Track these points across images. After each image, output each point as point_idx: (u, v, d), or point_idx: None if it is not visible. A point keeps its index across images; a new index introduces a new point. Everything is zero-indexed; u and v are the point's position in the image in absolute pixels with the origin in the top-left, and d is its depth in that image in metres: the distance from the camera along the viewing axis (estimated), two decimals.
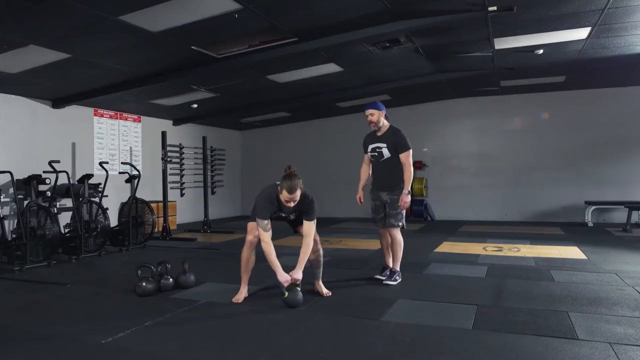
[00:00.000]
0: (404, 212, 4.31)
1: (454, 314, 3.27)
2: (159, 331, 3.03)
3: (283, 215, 3.67)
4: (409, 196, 4.21)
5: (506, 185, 9.86)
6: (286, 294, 3.50)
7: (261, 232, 3.52)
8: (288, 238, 6.90)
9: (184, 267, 4.21)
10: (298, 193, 3.41)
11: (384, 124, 4.30)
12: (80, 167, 7.70)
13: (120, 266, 5.32)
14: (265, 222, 3.51)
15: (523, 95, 9.55)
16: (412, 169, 4.21)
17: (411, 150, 4.21)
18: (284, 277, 3.50)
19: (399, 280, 4.27)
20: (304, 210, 3.59)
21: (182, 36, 5.07)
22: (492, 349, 2.60)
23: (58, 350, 2.73)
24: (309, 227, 3.59)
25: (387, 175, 4.29)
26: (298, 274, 3.53)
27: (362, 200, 4.58)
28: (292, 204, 3.48)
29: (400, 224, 4.31)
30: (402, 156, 4.21)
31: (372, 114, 4.25)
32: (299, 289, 3.55)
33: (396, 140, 4.23)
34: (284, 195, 3.42)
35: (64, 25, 4.53)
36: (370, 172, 4.54)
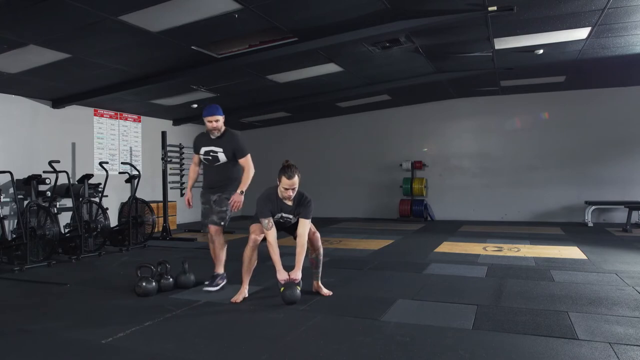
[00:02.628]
0: (229, 213, 4.16)
1: (454, 314, 3.27)
2: (159, 331, 3.03)
3: (284, 216, 3.68)
4: (242, 197, 4.07)
5: (506, 185, 9.86)
6: (282, 289, 3.57)
7: (265, 232, 3.62)
8: (289, 238, 6.91)
9: (184, 267, 4.21)
10: (297, 180, 3.51)
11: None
12: (80, 167, 7.70)
13: (120, 266, 5.31)
14: (267, 220, 3.60)
15: (523, 95, 9.56)
16: (253, 171, 4.13)
17: (249, 155, 4.15)
18: (283, 276, 3.60)
19: (222, 284, 4.14)
20: (302, 207, 3.64)
21: (182, 36, 5.07)
22: (492, 348, 2.60)
23: (58, 350, 2.73)
24: (304, 226, 3.64)
25: (221, 178, 4.18)
26: (297, 274, 3.60)
27: (190, 202, 4.41)
28: (291, 193, 3.54)
29: (223, 223, 4.17)
30: (241, 161, 4.15)
31: (217, 120, 4.09)
32: (297, 287, 3.58)
33: (235, 147, 4.13)
34: (283, 182, 3.49)
35: (64, 25, 4.53)
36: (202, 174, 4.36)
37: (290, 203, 3.65)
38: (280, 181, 3.53)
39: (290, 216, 3.71)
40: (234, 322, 3.20)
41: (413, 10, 4.83)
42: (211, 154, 4.19)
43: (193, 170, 4.45)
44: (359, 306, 3.53)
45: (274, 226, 3.64)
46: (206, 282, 4.19)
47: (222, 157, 4.15)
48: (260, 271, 4.03)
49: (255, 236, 3.70)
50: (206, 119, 4.12)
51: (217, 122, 4.10)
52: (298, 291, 3.57)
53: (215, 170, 4.21)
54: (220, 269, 4.23)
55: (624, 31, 5.57)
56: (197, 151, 4.29)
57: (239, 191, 4.08)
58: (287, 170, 3.50)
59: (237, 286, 3.81)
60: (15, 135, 6.83)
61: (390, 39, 5.70)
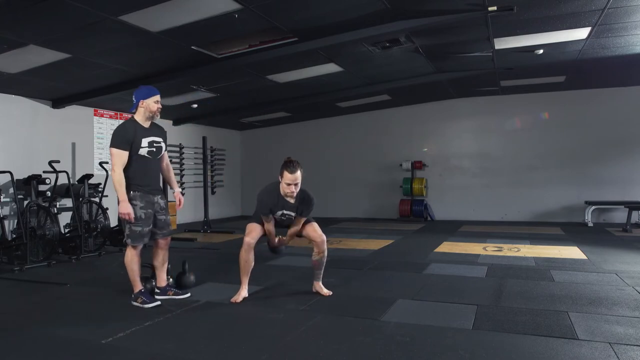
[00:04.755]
0: (128, 225, 3.54)
1: (454, 314, 3.27)
2: (159, 331, 3.03)
3: (285, 213, 3.68)
4: (122, 205, 3.45)
5: (506, 185, 9.86)
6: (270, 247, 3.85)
7: (265, 223, 3.70)
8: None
9: (184, 267, 4.21)
10: (299, 175, 3.49)
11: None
12: (80, 167, 7.70)
13: (120, 266, 5.29)
14: (266, 217, 3.66)
15: (523, 95, 9.56)
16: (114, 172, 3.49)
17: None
18: (273, 242, 3.81)
19: (147, 304, 3.54)
20: (305, 206, 3.65)
21: (182, 36, 5.07)
22: (492, 348, 2.60)
23: (58, 350, 2.73)
24: (315, 230, 3.74)
25: (159, 177, 3.79)
26: (285, 241, 3.86)
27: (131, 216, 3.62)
28: (294, 189, 3.52)
29: (126, 240, 3.60)
30: (166, 156, 3.79)
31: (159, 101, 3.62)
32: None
33: (165, 138, 3.76)
34: (286, 177, 3.49)
35: (64, 25, 4.53)
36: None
37: (292, 201, 3.64)
38: (282, 177, 3.52)
39: (292, 213, 3.70)
40: (234, 322, 3.20)
41: (413, 10, 4.83)
42: (155, 144, 3.63)
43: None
44: (359, 306, 3.52)
45: (273, 221, 3.70)
46: (157, 290, 3.87)
47: (163, 148, 3.71)
48: (260, 271, 4.03)
49: (249, 239, 3.70)
50: (152, 100, 3.57)
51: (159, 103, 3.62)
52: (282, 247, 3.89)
53: (156, 166, 3.72)
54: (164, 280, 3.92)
55: (624, 31, 5.57)
56: (136, 143, 3.51)
57: (179, 190, 3.93)
58: (289, 165, 3.49)
59: (237, 286, 3.80)
60: (15, 135, 6.83)
61: (390, 39, 5.70)
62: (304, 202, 3.64)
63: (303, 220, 3.72)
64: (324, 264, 3.87)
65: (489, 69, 7.41)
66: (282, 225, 3.83)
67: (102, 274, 4.97)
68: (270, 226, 3.71)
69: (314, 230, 3.77)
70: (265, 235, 3.78)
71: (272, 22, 4.87)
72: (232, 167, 11.77)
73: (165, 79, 6.42)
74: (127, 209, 3.45)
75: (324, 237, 3.80)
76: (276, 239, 3.83)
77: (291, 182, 3.49)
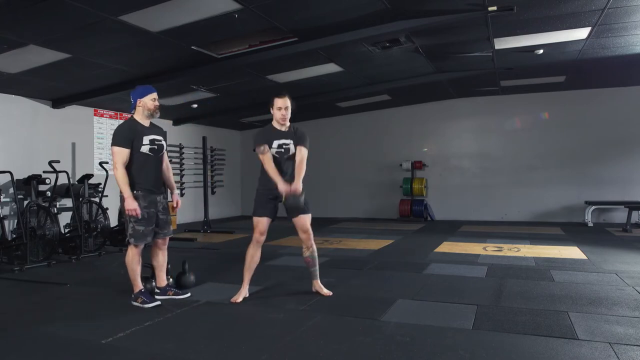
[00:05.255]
0: (131, 224, 3.54)
1: (454, 314, 3.27)
2: (159, 331, 3.03)
3: (282, 143, 3.66)
4: (128, 202, 3.47)
5: (506, 185, 9.86)
6: (284, 199, 3.58)
7: (260, 157, 3.65)
8: (289, 238, 6.91)
9: (184, 267, 4.21)
10: (288, 99, 3.66)
11: None
12: (80, 167, 7.70)
13: (120, 266, 5.29)
14: (262, 147, 3.65)
15: (523, 95, 9.56)
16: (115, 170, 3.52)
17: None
18: (285, 187, 3.55)
19: (147, 304, 3.56)
20: (299, 135, 3.73)
21: (182, 36, 5.07)
22: (492, 348, 2.60)
23: (58, 350, 2.73)
24: (301, 152, 3.69)
25: (160, 176, 3.78)
26: (298, 185, 3.58)
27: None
28: (284, 112, 3.64)
29: (128, 239, 3.61)
30: (166, 156, 3.81)
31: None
32: (300, 196, 3.60)
33: (165, 137, 3.78)
34: (277, 103, 3.65)
35: (64, 25, 4.53)
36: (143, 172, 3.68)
37: (285, 129, 3.72)
38: (273, 105, 3.67)
39: (289, 141, 3.70)
40: (234, 322, 3.20)
41: (413, 10, 4.83)
42: (156, 142, 3.65)
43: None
44: (359, 306, 3.52)
45: (269, 151, 3.65)
46: (158, 290, 3.89)
47: (164, 146, 3.73)
48: (260, 271, 4.03)
49: (258, 235, 3.70)
50: (149, 97, 3.61)
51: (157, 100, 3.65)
52: (301, 199, 3.59)
53: (157, 164, 3.71)
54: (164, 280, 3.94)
55: (624, 31, 5.57)
56: (137, 141, 3.54)
57: (177, 192, 3.93)
58: (278, 93, 3.67)
59: (237, 286, 3.81)
60: (15, 135, 6.83)
61: (390, 39, 5.70)
62: (297, 130, 3.76)
63: (303, 153, 3.67)
64: (317, 260, 3.85)
65: (489, 69, 7.41)
66: (282, 169, 3.67)
67: (102, 274, 4.97)
68: (268, 160, 3.61)
69: (305, 223, 3.73)
70: (268, 232, 3.76)
71: (272, 22, 4.87)
72: (232, 167, 11.77)
73: (165, 79, 6.43)
74: (133, 205, 3.46)
75: (311, 231, 3.78)
76: (286, 184, 3.56)
77: (282, 106, 3.64)
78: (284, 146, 3.67)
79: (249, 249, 3.75)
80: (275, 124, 3.73)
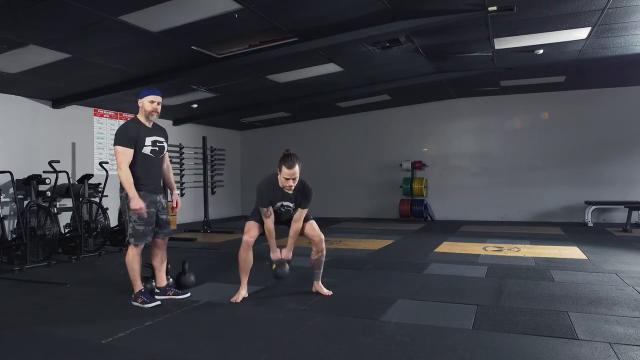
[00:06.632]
0: (132, 222, 3.55)
1: (454, 314, 3.27)
2: (159, 331, 3.03)
3: (284, 205, 3.68)
4: (134, 202, 3.45)
5: (506, 185, 9.86)
6: (274, 266, 3.70)
7: (265, 220, 3.66)
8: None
9: (184, 267, 4.21)
10: (297, 169, 3.49)
11: None
12: (80, 167, 7.70)
13: (120, 266, 5.29)
14: (266, 209, 3.63)
15: (523, 95, 9.55)
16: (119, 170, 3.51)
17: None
18: (276, 255, 3.71)
19: (147, 304, 3.55)
20: (304, 197, 3.67)
21: (182, 36, 5.07)
22: (492, 348, 2.60)
23: (58, 350, 2.73)
24: (301, 213, 3.70)
25: (160, 177, 3.81)
26: (288, 254, 3.73)
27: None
28: (292, 183, 3.52)
29: (128, 239, 3.63)
30: (166, 157, 3.81)
31: (160, 102, 3.66)
32: (287, 264, 3.72)
33: (167, 138, 3.82)
34: (284, 172, 3.48)
35: (64, 25, 4.53)
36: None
37: (291, 192, 3.63)
38: (280, 171, 3.51)
39: (291, 204, 3.69)
40: (234, 322, 3.20)
41: (413, 10, 4.83)
42: (158, 144, 3.66)
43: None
44: (359, 306, 3.52)
45: (272, 214, 3.67)
46: (158, 290, 3.90)
47: (165, 147, 3.75)
48: (260, 271, 4.04)
49: (247, 238, 3.70)
50: (147, 99, 3.60)
51: (160, 104, 3.65)
52: (287, 268, 3.73)
53: (158, 165, 3.72)
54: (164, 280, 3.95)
55: (624, 31, 5.57)
56: (140, 142, 3.54)
57: (177, 192, 3.94)
58: (287, 159, 3.48)
59: (237, 286, 3.80)
60: (15, 135, 6.83)
61: (390, 39, 5.70)
62: (302, 193, 3.65)
63: (302, 213, 3.70)
64: (323, 263, 3.87)
65: (489, 69, 7.41)
66: (281, 220, 3.80)
67: (102, 274, 4.97)
68: (269, 223, 3.65)
69: (312, 229, 3.77)
70: (263, 235, 3.77)
71: (272, 22, 4.87)
72: (232, 167, 11.77)
73: (165, 79, 6.43)
74: (139, 204, 3.47)
75: (322, 235, 3.80)
76: (278, 252, 3.71)
77: (289, 177, 3.49)
78: (285, 206, 3.70)
79: (240, 252, 3.74)
80: (280, 184, 3.60)
